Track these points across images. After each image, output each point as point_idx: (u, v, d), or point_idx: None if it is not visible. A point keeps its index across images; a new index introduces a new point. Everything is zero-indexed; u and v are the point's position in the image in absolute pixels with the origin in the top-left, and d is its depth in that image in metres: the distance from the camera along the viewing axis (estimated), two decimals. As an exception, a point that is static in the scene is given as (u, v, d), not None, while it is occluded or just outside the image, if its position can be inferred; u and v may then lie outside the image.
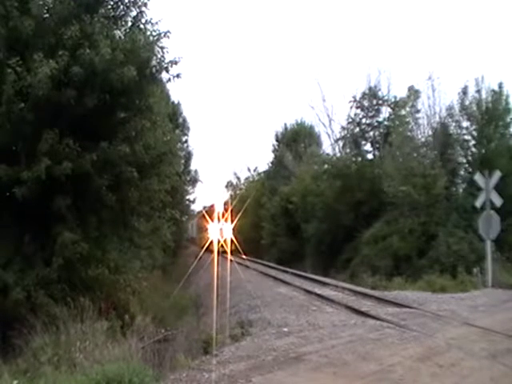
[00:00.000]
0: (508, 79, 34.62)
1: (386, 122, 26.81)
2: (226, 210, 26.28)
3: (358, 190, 23.70)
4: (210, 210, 28.60)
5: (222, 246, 20.07)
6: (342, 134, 28.52)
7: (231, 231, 20.99)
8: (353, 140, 27.61)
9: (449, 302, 10.18)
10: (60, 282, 9.11)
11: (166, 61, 10.30)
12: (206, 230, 27.24)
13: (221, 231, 19.84)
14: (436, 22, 62.31)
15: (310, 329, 7.73)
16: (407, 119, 24.11)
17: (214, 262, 14.36)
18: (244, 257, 27.69)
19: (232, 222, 21.39)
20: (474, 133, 20.83)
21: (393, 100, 26.62)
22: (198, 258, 21.37)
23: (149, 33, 10.33)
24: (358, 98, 27.05)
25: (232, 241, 22.63)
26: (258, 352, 6.35)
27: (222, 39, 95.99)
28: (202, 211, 34.99)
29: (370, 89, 26.95)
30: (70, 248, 8.92)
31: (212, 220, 20.57)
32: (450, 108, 21.87)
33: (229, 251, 21.07)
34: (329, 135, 30.04)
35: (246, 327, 8.09)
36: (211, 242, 18.97)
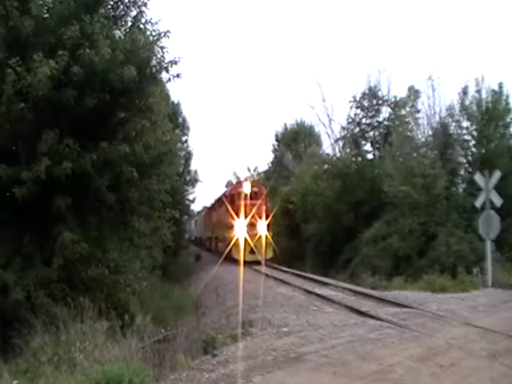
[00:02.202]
0: (508, 79, 34.67)
1: (386, 122, 26.86)
2: (256, 195, 19.45)
3: (358, 190, 23.71)
4: (231, 196, 20.61)
5: (251, 250, 15.84)
6: (342, 134, 28.58)
7: (266, 228, 16.12)
8: (353, 140, 27.63)
9: (449, 302, 10.18)
10: (60, 281, 9.11)
11: (166, 61, 10.30)
12: (224, 226, 19.49)
13: (251, 227, 15.36)
14: (436, 22, 62.36)
15: (310, 329, 7.72)
16: (407, 119, 24.14)
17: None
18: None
19: (268, 215, 16.29)
20: (474, 133, 20.87)
21: (393, 100, 26.69)
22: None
23: (149, 33, 10.33)
24: (357, 98, 27.13)
25: (268, 243, 17.15)
26: (257, 352, 6.34)
27: (222, 39, 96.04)
28: (219, 199, 26.66)
29: (369, 89, 27.00)
30: (70, 248, 8.92)
31: (236, 211, 16.19)
32: (450, 108, 21.94)
33: (263, 259, 14.93)
34: (329, 135, 30.13)
35: (246, 327, 8.07)
36: (235, 245, 14.74)
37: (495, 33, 58.87)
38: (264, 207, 16.55)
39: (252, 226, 15.45)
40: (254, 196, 19.17)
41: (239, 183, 22.32)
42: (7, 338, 8.20)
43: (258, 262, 15.39)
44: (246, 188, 18.00)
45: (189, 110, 78.34)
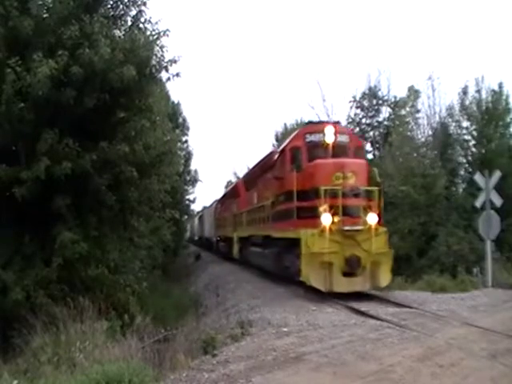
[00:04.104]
0: (508, 79, 34.79)
1: (385, 122, 26.87)
2: (345, 149, 9.55)
3: (358, 190, 23.67)
4: (292, 151, 10.46)
5: (348, 268, 7.74)
6: (342, 134, 28.53)
7: (377, 219, 7.68)
8: (353, 140, 27.61)
9: (449, 302, 10.15)
10: (60, 282, 9.12)
11: (166, 60, 10.31)
12: (271, 214, 11.19)
13: (345, 218, 7.44)
14: (436, 22, 62.38)
15: (310, 329, 7.70)
16: (407, 119, 24.19)
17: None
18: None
19: (380, 191, 7.90)
20: (474, 133, 20.92)
21: (393, 100, 26.71)
22: None
23: (148, 32, 10.34)
24: (357, 98, 27.14)
25: (385, 253, 8.06)
26: (257, 352, 6.32)
27: (222, 39, 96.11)
28: (255, 169, 15.94)
29: (369, 89, 27.02)
30: (70, 248, 8.92)
31: (305, 183, 7.87)
32: (450, 108, 22.05)
33: (373, 287, 7.98)
34: (329, 135, 30.04)
35: (246, 327, 8.06)
36: (307, 258, 7.49)
37: (495, 33, 58.98)
38: (365, 174, 8.66)
39: (347, 214, 8.11)
40: (341, 151, 9.79)
41: (310, 126, 10.97)
42: (7, 337, 8.20)
43: (360, 294, 8.39)
44: (329, 134, 8.82)
45: (189, 110, 78.67)
